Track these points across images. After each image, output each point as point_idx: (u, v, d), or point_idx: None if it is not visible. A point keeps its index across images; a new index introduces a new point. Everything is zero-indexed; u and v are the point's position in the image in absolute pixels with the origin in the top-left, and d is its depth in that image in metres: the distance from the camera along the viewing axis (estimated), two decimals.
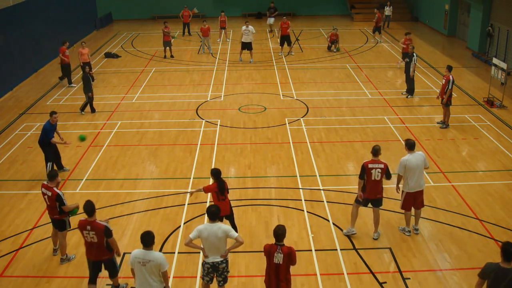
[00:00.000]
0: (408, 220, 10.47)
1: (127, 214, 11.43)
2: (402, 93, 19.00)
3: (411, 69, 18.18)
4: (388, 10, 30.57)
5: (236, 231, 10.09)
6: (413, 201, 10.25)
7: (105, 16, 33.68)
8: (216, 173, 9.83)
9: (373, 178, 9.91)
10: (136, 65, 23.68)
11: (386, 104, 18.04)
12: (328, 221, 10.94)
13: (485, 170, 13.26)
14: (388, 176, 10.08)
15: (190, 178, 12.99)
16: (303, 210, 11.38)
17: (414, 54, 18.24)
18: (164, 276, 7.55)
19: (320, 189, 12.28)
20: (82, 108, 17.49)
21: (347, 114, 17.09)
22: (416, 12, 33.69)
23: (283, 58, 24.38)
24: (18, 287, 9.21)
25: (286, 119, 16.67)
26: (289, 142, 14.95)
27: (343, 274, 9.35)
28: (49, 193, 9.52)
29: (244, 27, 23.45)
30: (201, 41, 26.25)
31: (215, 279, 8.31)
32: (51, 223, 10.11)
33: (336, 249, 10.05)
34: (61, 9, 26.74)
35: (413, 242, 10.25)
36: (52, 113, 13.01)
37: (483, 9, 23.98)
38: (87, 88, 17.06)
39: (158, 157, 14.22)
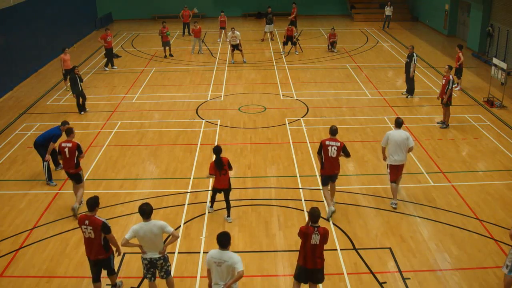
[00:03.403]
0: (394, 192, 11.39)
1: (127, 214, 11.43)
2: (402, 93, 19.00)
3: (411, 69, 18.19)
4: (388, 10, 30.58)
5: (229, 207, 10.87)
6: (396, 172, 11.24)
7: (105, 16, 33.68)
8: (215, 151, 10.69)
9: (329, 155, 10.75)
10: (136, 65, 23.68)
11: (386, 104, 18.04)
12: (328, 221, 10.93)
13: (485, 170, 13.25)
14: (347, 153, 10.86)
15: (190, 178, 12.99)
16: (303, 210, 11.38)
17: (414, 54, 18.24)
18: (239, 277, 7.30)
19: (320, 189, 12.26)
20: (79, 109, 17.50)
21: (347, 114, 17.09)
22: (416, 12, 33.69)
23: (283, 58, 24.39)
24: (18, 287, 9.20)
25: (286, 119, 16.67)
26: (289, 142, 14.95)
27: (343, 274, 9.35)
28: (69, 145, 10.89)
29: (230, 33, 23.37)
30: (193, 41, 25.59)
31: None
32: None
33: (336, 249, 10.04)
34: (61, 9, 26.75)
35: (413, 242, 10.25)
36: (66, 123, 12.65)
37: (483, 9, 23.97)
38: (75, 88, 17.06)
39: (158, 157, 14.22)
